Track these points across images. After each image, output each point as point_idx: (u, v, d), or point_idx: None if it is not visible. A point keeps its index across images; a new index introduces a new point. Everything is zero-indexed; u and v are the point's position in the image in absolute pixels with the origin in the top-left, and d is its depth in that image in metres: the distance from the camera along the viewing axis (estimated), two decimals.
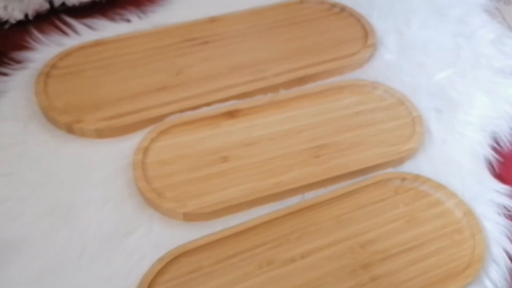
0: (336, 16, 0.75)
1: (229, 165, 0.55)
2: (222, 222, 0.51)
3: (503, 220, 0.53)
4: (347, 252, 0.49)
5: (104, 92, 0.62)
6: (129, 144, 0.57)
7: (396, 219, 0.52)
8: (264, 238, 0.49)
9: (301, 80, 0.66)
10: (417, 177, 0.55)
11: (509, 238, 0.52)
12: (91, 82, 0.63)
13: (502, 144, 0.62)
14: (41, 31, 0.70)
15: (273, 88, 0.64)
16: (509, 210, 0.54)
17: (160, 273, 0.46)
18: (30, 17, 0.72)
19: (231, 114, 0.60)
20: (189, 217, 0.50)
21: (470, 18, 0.78)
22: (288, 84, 0.65)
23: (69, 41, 0.69)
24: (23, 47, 0.67)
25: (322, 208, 0.52)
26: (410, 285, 0.47)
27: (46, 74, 0.63)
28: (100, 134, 0.58)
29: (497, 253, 0.50)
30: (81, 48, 0.68)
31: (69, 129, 0.58)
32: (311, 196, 0.53)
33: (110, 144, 0.57)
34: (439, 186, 0.55)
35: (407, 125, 0.60)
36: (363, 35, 0.72)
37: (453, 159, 0.58)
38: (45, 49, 0.67)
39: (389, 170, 0.57)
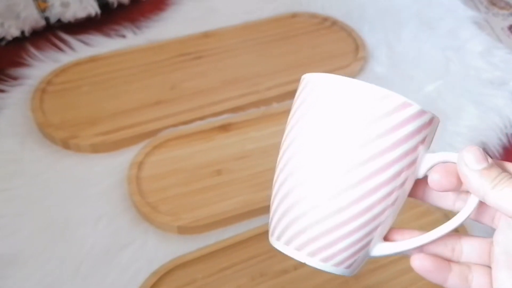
0: (327, 29, 0.77)
1: (222, 178, 0.56)
2: (216, 234, 0.52)
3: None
4: None
5: (99, 107, 0.63)
6: (124, 158, 0.58)
7: None
8: (257, 250, 0.50)
9: (293, 94, 0.67)
10: None
11: None
12: (86, 98, 0.64)
13: (491, 155, 0.63)
14: (37, 47, 0.71)
15: (266, 102, 0.66)
16: None
17: (154, 286, 0.47)
18: (27, 33, 0.73)
19: (225, 128, 0.61)
20: (184, 230, 0.51)
21: (459, 31, 0.79)
22: (280, 98, 0.66)
23: (65, 57, 0.70)
24: (19, 63, 0.68)
25: None
26: None
27: (42, 90, 0.64)
28: (95, 149, 0.59)
29: None
30: (77, 64, 0.69)
31: (65, 145, 0.59)
32: None
33: (105, 158, 0.58)
34: None
35: None
36: (354, 49, 0.74)
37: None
38: (41, 66, 0.69)
39: None
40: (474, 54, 0.76)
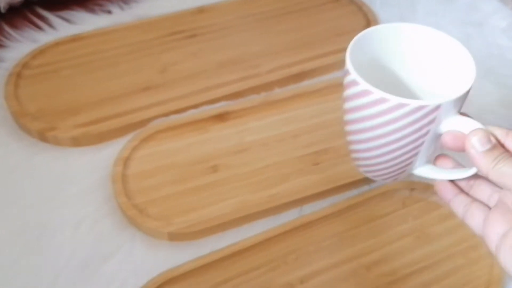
0: (335, 3, 0.69)
1: (219, 175, 0.49)
2: (211, 241, 0.46)
3: None
4: (351, 275, 0.44)
5: (81, 94, 0.56)
6: (108, 153, 0.51)
7: (405, 235, 0.47)
8: (258, 260, 0.44)
9: (297, 77, 0.61)
10: (427, 187, 0.50)
11: None
12: (67, 83, 0.58)
13: None
14: (13, 26, 0.64)
15: (267, 87, 0.59)
16: None
17: None
18: (2, 10, 0.66)
19: (221, 117, 0.54)
20: (175, 237, 0.45)
21: (480, 4, 0.72)
22: (283, 82, 0.60)
23: (44, 37, 0.63)
24: None
25: (322, 224, 0.47)
26: None
27: (17, 75, 0.57)
28: (76, 142, 0.52)
29: None
30: (57, 44, 0.62)
31: (42, 137, 0.52)
32: (310, 209, 0.48)
33: (87, 153, 0.52)
34: None
35: None
36: (365, 25, 0.66)
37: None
38: (17, 46, 0.62)
39: None
40: (497, 30, 0.69)
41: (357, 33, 0.34)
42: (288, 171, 0.50)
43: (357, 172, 0.50)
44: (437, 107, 0.31)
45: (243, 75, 0.59)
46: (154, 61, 0.61)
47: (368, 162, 0.37)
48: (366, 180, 0.50)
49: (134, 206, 0.46)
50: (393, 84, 0.37)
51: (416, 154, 0.35)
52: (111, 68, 0.60)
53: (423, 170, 0.37)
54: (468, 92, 0.31)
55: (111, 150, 0.51)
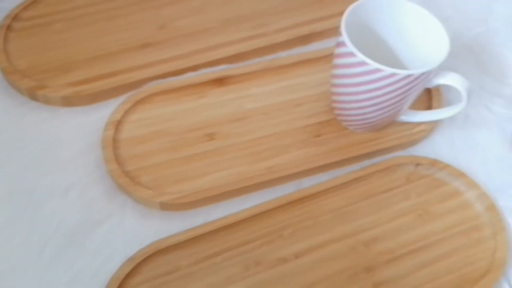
0: None
1: (215, 144, 0.47)
2: (204, 212, 0.44)
3: None
4: (348, 252, 0.42)
5: (74, 50, 0.53)
6: (101, 114, 0.49)
7: (406, 213, 0.45)
8: (252, 233, 0.43)
9: (306, 38, 0.57)
10: (433, 162, 0.47)
11: None
12: (59, 37, 0.54)
13: None
14: None
15: (272, 49, 0.55)
16: None
17: (130, 274, 0.40)
18: None
19: (221, 82, 0.51)
20: (167, 206, 0.44)
21: None
22: (290, 44, 0.56)
23: None
24: None
25: (321, 199, 0.45)
26: None
27: (7, 28, 0.54)
28: (68, 102, 0.50)
29: None
30: None
31: (32, 96, 0.50)
32: (308, 183, 0.46)
33: (79, 114, 0.49)
34: (459, 174, 0.47)
35: (423, 99, 0.52)
36: None
37: (477, 141, 0.50)
38: None
39: (402, 153, 0.49)
40: None
41: None
42: (288, 142, 0.48)
43: (359, 147, 0.48)
44: (408, 76, 0.40)
45: (248, 35, 0.56)
46: (153, 15, 0.57)
47: (346, 112, 0.46)
48: (369, 155, 0.48)
49: (125, 174, 0.45)
50: (382, 51, 0.46)
51: (394, 109, 0.43)
52: (107, 22, 0.56)
53: (409, 116, 0.47)
54: (439, 66, 0.41)
55: (104, 112, 0.49)
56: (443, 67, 0.42)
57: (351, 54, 0.41)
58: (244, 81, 0.52)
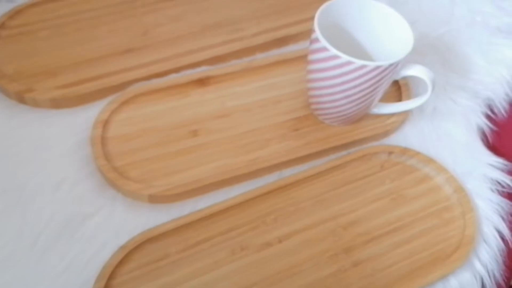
0: None
1: (199, 139, 0.50)
2: (191, 203, 0.46)
3: (496, 197, 0.49)
4: (328, 234, 0.45)
5: (60, 56, 0.55)
6: (88, 115, 0.51)
7: (381, 197, 0.48)
8: (237, 221, 0.45)
9: (282, 41, 0.60)
10: (404, 151, 0.51)
11: (501, 216, 0.48)
12: (45, 44, 0.56)
13: (497, 111, 0.58)
14: None
15: (250, 51, 0.58)
16: (503, 186, 0.50)
17: (122, 262, 0.42)
18: None
19: (202, 82, 0.54)
20: (155, 199, 0.46)
21: None
22: (267, 46, 0.59)
23: None
24: None
25: (301, 186, 0.48)
26: (394, 270, 0.43)
27: None
28: (56, 104, 0.52)
29: (489, 233, 0.47)
30: (34, 4, 0.60)
31: (20, 99, 0.52)
32: (290, 173, 0.49)
33: (67, 115, 0.51)
34: (428, 160, 0.50)
35: (393, 94, 0.55)
36: None
37: (444, 130, 0.54)
38: None
39: (375, 143, 0.52)
40: None
41: None
42: (269, 136, 0.50)
43: (336, 138, 0.51)
44: (377, 68, 0.43)
45: (227, 39, 0.59)
46: (135, 23, 0.60)
47: (322, 106, 0.49)
48: (345, 146, 0.51)
49: (114, 169, 0.46)
50: (352, 47, 0.50)
51: (366, 100, 0.47)
52: (91, 29, 0.59)
53: (381, 108, 0.51)
54: (405, 58, 0.44)
55: (91, 113, 0.51)
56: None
57: (324, 49, 0.44)
58: (224, 81, 0.54)
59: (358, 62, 0.43)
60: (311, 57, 0.46)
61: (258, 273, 0.42)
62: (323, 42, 0.44)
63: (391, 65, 0.44)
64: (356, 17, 0.49)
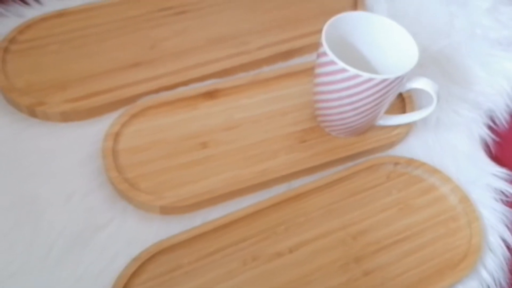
0: None
1: (209, 151, 0.50)
2: (202, 215, 0.47)
3: (500, 206, 0.50)
4: (338, 244, 0.46)
5: (69, 69, 0.56)
6: (98, 128, 0.52)
7: (389, 207, 0.49)
8: (248, 231, 0.46)
9: (287, 55, 0.61)
10: (410, 161, 0.52)
11: (506, 225, 0.49)
12: (55, 58, 0.57)
13: (498, 122, 0.59)
14: None
15: (256, 64, 0.59)
16: (506, 196, 0.51)
17: (135, 273, 0.42)
18: None
19: (210, 95, 0.55)
20: (166, 210, 0.46)
21: None
22: (272, 59, 0.60)
23: (30, 12, 0.62)
24: None
25: (310, 197, 0.48)
26: (404, 279, 0.44)
27: (5, 50, 0.57)
28: (66, 117, 0.52)
29: (494, 241, 0.48)
30: (44, 19, 0.61)
31: (31, 112, 0.52)
32: (298, 184, 0.50)
33: (77, 128, 0.52)
34: (434, 171, 0.51)
35: (398, 105, 0.56)
36: (352, 3, 0.67)
37: (448, 141, 0.55)
38: (3, 21, 0.61)
39: (381, 154, 0.53)
40: (481, 10, 0.71)
41: (345, 11, 0.48)
42: (277, 147, 0.51)
43: (343, 149, 0.52)
44: (384, 81, 0.44)
45: (233, 52, 0.60)
46: (142, 37, 0.61)
47: (329, 118, 0.50)
48: (352, 157, 0.52)
49: (125, 180, 0.47)
50: (359, 61, 0.51)
51: (372, 113, 0.48)
52: (99, 43, 0.60)
53: (386, 120, 0.52)
54: (411, 71, 0.45)
55: (101, 126, 0.52)
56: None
57: (332, 63, 0.45)
58: (232, 93, 0.55)
59: (366, 76, 0.44)
60: (319, 70, 0.47)
61: (269, 283, 0.43)
62: (331, 56, 0.45)
63: (397, 78, 0.45)
64: (362, 31, 0.50)
